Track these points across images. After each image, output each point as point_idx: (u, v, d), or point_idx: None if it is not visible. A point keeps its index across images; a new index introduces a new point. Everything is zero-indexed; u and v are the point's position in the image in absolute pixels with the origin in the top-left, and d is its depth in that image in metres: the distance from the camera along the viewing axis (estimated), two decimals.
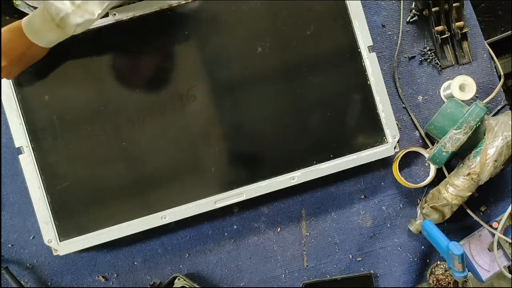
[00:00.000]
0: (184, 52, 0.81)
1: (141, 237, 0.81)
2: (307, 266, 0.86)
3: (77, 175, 0.79)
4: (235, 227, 0.86)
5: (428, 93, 0.91)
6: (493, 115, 0.90)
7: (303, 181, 0.81)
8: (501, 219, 0.82)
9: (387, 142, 0.83)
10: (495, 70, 0.92)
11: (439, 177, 0.86)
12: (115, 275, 0.84)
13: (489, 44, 0.93)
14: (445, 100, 0.90)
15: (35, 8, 0.82)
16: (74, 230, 0.79)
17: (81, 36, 0.79)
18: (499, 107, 0.91)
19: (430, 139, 0.89)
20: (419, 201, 0.88)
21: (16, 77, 0.78)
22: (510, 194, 0.88)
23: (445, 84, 0.90)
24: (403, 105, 0.89)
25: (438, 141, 0.81)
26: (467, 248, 0.84)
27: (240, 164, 0.82)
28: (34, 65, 0.79)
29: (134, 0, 0.82)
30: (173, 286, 0.80)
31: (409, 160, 0.89)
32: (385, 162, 0.87)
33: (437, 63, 0.90)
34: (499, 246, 0.82)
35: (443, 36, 0.88)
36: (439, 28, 0.89)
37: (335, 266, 0.86)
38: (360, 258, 0.87)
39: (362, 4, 0.83)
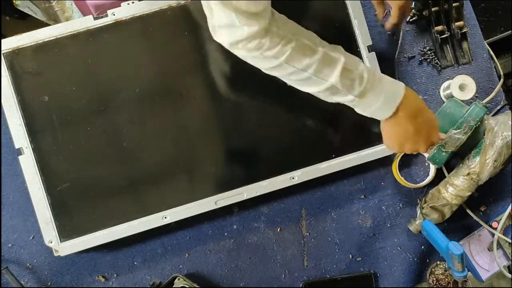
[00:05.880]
0: (184, 52, 0.81)
1: (141, 237, 0.81)
2: (307, 266, 0.86)
3: (78, 176, 0.79)
4: (235, 227, 0.86)
5: (428, 93, 0.91)
6: (493, 115, 0.90)
7: (303, 180, 0.81)
8: (500, 219, 0.82)
9: None
10: (494, 70, 0.92)
11: (439, 177, 0.86)
12: (115, 275, 0.84)
13: (489, 44, 0.93)
14: (445, 100, 0.90)
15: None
16: (75, 231, 0.79)
17: (81, 36, 0.79)
18: (498, 107, 0.91)
19: None
20: (419, 201, 0.88)
21: (16, 78, 0.78)
22: (510, 194, 0.88)
23: (445, 84, 0.90)
24: None
25: None
26: (467, 248, 0.84)
27: (240, 163, 0.82)
28: (33, 66, 0.79)
29: None
30: (173, 286, 0.80)
31: (409, 160, 0.89)
32: (385, 162, 0.87)
33: (437, 63, 0.90)
34: (499, 246, 0.82)
35: (443, 36, 0.88)
36: (439, 28, 0.89)
37: (335, 266, 0.86)
38: (360, 258, 0.87)
39: (362, 4, 0.83)
